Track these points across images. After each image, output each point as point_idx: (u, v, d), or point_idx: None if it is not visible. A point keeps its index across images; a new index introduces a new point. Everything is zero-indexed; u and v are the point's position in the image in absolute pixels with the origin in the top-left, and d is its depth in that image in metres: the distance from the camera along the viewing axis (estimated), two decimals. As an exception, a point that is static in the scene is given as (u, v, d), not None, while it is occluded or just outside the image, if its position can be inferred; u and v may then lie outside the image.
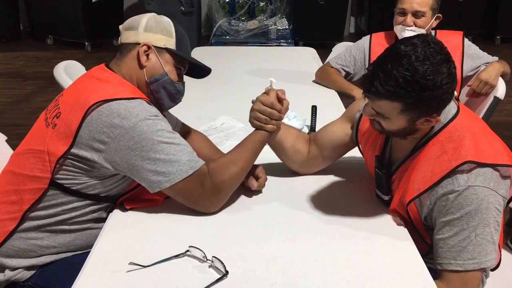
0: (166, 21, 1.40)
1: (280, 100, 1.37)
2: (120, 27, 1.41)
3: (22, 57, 5.38)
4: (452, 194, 1.17)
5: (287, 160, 1.54)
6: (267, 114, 1.36)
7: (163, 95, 1.40)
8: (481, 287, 1.35)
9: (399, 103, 1.13)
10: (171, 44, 1.38)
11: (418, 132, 1.23)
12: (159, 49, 1.36)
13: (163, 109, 1.44)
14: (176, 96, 1.42)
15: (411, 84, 1.08)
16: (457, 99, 2.24)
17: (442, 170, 1.19)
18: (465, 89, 2.25)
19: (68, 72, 2.14)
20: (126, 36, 1.38)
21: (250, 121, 1.39)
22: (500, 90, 2.12)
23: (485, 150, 1.18)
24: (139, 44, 1.35)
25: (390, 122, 1.19)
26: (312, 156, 1.53)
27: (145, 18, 1.37)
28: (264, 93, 1.39)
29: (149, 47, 1.35)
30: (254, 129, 1.41)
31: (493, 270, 1.34)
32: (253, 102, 1.39)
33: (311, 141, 1.54)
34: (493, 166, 1.17)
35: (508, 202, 1.24)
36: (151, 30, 1.36)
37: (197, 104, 2.15)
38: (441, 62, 1.09)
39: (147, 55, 1.35)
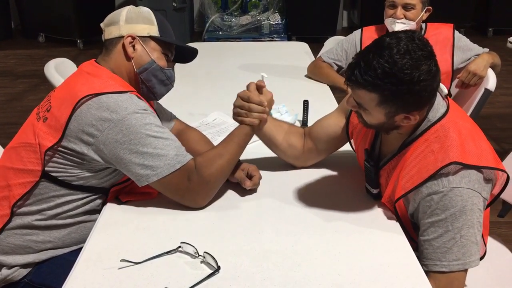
0: (145, 10, 1.41)
1: (259, 88, 1.36)
2: (101, 24, 1.41)
3: (14, 56, 5.35)
4: (436, 195, 1.17)
5: (282, 154, 1.54)
6: (246, 108, 1.35)
7: (154, 83, 1.40)
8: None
9: (376, 94, 1.13)
10: (154, 31, 1.38)
11: (402, 129, 1.23)
12: (143, 38, 1.37)
13: (156, 97, 1.45)
14: (167, 82, 1.43)
15: (388, 76, 1.09)
16: (449, 94, 2.24)
17: (427, 170, 1.19)
18: (456, 82, 2.25)
19: (59, 70, 2.13)
20: (109, 32, 1.38)
21: (233, 117, 1.40)
22: (491, 82, 2.13)
23: (471, 151, 1.18)
24: (123, 37, 1.36)
25: (370, 114, 1.19)
26: (307, 150, 1.53)
27: (124, 11, 1.38)
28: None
29: (133, 38, 1.36)
30: None
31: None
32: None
33: (306, 135, 1.54)
34: (478, 168, 1.18)
35: (489, 205, 1.25)
36: (132, 21, 1.37)
37: (189, 100, 2.15)
38: (421, 58, 1.09)
39: (133, 46, 1.36)
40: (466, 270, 1.18)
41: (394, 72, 1.08)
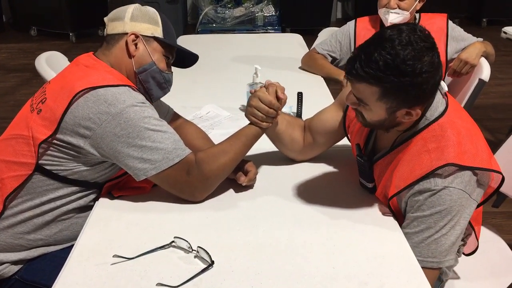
0: (151, 10, 1.40)
1: (278, 98, 1.34)
2: (105, 18, 1.40)
3: (6, 49, 5.31)
4: (427, 192, 1.17)
5: (284, 149, 1.53)
6: (264, 112, 1.33)
7: (151, 85, 1.39)
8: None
9: (377, 88, 1.11)
10: (158, 32, 1.37)
11: (402, 125, 1.21)
12: (146, 38, 1.36)
13: (152, 99, 1.43)
14: (164, 85, 1.42)
15: (390, 68, 1.07)
16: (443, 80, 2.23)
17: (422, 169, 1.18)
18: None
19: (50, 63, 2.11)
20: (112, 27, 1.37)
21: (246, 115, 1.37)
22: (485, 72, 2.12)
23: (468, 152, 1.17)
24: (126, 34, 1.35)
25: (370, 110, 1.17)
26: (307, 144, 1.52)
27: (130, 8, 1.37)
28: (264, 86, 1.36)
29: (137, 36, 1.35)
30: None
31: (469, 255, 1.35)
32: (251, 93, 1.37)
33: (306, 129, 1.53)
34: (473, 170, 1.17)
35: (483, 203, 1.24)
36: (137, 20, 1.36)
37: (182, 93, 2.13)
38: (423, 50, 1.07)
39: (135, 45, 1.35)
40: (439, 269, 1.19)
41: (397, 63, 1.06)
